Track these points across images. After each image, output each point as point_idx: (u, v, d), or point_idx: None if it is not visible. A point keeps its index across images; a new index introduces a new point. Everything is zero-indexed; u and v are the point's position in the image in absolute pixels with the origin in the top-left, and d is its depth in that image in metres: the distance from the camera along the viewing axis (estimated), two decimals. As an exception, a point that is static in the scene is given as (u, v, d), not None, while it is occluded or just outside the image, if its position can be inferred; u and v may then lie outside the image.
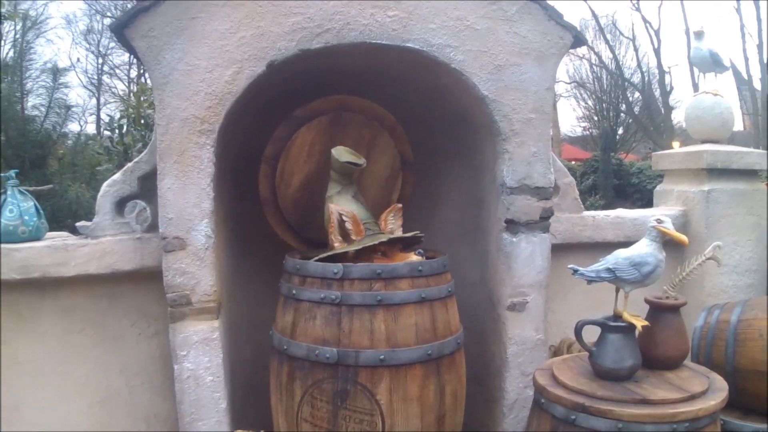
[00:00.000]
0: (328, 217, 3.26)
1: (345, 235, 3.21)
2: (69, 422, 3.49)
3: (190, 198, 3.13)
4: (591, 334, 2.91)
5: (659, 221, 2.91)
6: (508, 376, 3.55)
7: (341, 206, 3.26)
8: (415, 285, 3.01)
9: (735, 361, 3.39)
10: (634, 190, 22.27)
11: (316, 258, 3.18)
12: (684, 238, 2.93)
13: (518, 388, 3.55)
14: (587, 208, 4.26)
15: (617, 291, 2.97)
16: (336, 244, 3.21)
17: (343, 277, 2.96)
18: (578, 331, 2.92)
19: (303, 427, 3.01)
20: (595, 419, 2.59)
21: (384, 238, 3.15)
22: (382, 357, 2.89)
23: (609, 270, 2.90)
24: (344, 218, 3.21)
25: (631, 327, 2.86)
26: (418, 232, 3.29)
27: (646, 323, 2.90)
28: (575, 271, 2.92)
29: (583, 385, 2.77)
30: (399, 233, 3.31)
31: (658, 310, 3.03)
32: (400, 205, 3.43)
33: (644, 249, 2.91)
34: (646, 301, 3.06)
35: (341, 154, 3.34)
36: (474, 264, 3.84)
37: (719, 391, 2.76)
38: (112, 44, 28.32)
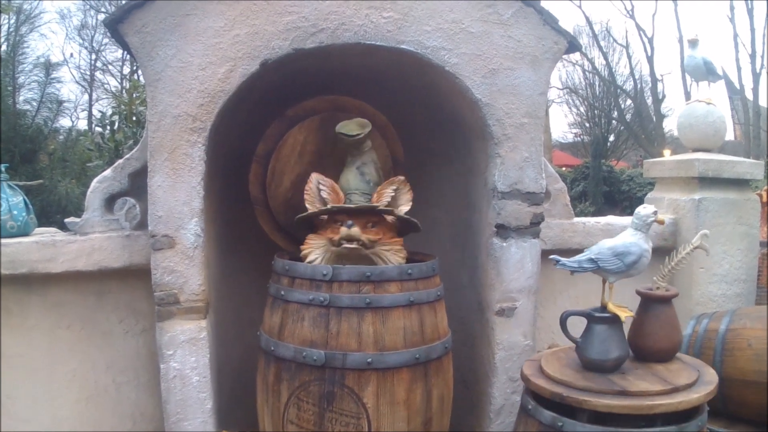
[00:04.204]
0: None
1: (323, 203, 3.22)
2: (56, 418, 3.47)
3: (180, 196, 3.12)
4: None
5: (656, 212, 2.90)
6: (496, 381, 3.54)
7: (322, 175, 3.31)
8: (404, 288, 3.01)
9: (723, 371, 3.39)
10: (624, 198, 22.30)
11: (297, 217, 3.25)
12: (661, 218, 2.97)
13: (505, 394, 3.55)
14: (577, 215, 4.26)
15: (603, 282, 2.95)
16: (309, 208, 3.23)
17: (332, 278, 2.95)
18: (563, 321, 2.91)
19: (289, 429, 3.00)
20: (581, 426, 2.59)
21: (326, 209, 3.16)
22: (369, 360, 2.88)
23: (591, 260, 2.87)
24: (321, 185, 3.22)
25: (617, 318, 2.84)
26: (396, 210, 3.24)
27: (631, 314, 2.89)
28: (557, 262, 2.90)
29: (566, 376, 2.76)
30: (404, 209, 3.27)
31: (648, 302, 3.00)
32: (402, 178, 3.36)
33: (629, 239, 2.89)
34: (637, 292, 3.03)
35: (342, 125, 3.35)
36: (464, 267, 3.83)
37: (706, 384, 2.72)
38: (106, 40, 28.27)
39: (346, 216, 3.10)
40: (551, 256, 2.93)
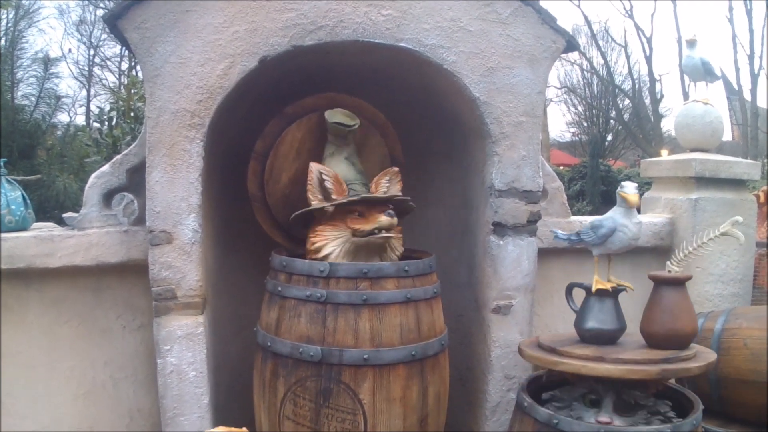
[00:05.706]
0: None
1: (326, 195, 3.19)
2: (54, 414, 3.46)
3: (178, 192, 3.12)
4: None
5: (621, 186, 2.94)
6: (492, 379, 3.55)
7: (323, 166, 3.27)
8: (400, 285, 3.01)
9: (718, 370, 3.40)
10: (622, 197, 22.29)
11: (295, 214, 3.22)
12: (635, 198, 2.91)
13: (501, 391, 3.55)
14: (574, 214, 4.26)
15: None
16: (314, 202, 3.19)
17: (329, 275, 2.95)
18: (568, 291, 3.09)
19: (285, 424, 3.01)
20: (577, 424, 2.60)
21: (356, 198, 3.13)
22: (366, 356, 2.89)
23: (577, 233, 3.04)
24: (324, 177, 3.19)
25: (614, 291, 2.94)
26: (399, 194, 3.28)
27: (611, 284, 2.96)
28: (556, 235, 3.14)
29: (558, 345, 2.87)
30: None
31: (659, 286, 2.93)
32: (396, 169, 3.39)
33: (607, 214, 2.98)
34: (649, 276, 2.98)
35: (333, 115, 3.35)
36: (462, 265, 3.84)
37: (704, 358, 2.78)
38: (105, 36, 28.22)
39: (363, 207, 3.11)
40: (552, 229, 3.12)
